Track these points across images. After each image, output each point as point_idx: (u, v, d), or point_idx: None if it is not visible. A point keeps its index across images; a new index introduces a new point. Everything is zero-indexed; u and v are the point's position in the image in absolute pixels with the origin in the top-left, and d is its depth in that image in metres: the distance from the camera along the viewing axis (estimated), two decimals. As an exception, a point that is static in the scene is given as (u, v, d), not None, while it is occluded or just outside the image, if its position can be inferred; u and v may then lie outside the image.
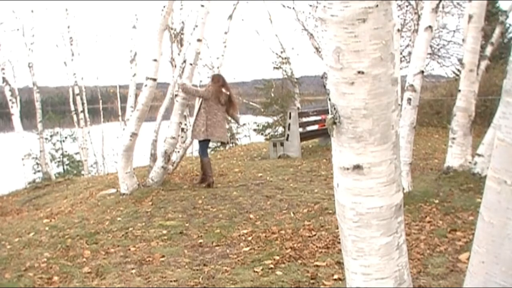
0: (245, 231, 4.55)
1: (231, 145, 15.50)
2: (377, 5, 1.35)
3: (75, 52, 16.19)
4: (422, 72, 5.21)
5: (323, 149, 10.33)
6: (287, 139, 9.68)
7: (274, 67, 16.94)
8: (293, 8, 16.12)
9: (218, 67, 11.12)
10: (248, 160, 9.98)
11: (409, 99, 5.11)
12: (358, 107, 1.44)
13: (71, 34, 15.87)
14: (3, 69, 12.79)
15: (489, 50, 7.09)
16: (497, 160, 1.29)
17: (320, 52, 14.44)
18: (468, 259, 1.52)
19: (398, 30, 8.10)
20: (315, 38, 15.62)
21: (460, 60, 10.28)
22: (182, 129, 8.31)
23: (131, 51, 8.47)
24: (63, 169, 16.02)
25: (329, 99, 1.50)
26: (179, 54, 9.96)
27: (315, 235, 4.31)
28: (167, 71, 15.52)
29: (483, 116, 10.79)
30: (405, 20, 15.00)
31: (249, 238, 4.34)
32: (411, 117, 5.13)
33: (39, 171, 13.82)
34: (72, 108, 17.16)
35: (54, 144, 16.29)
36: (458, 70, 13.54)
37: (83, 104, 16.86)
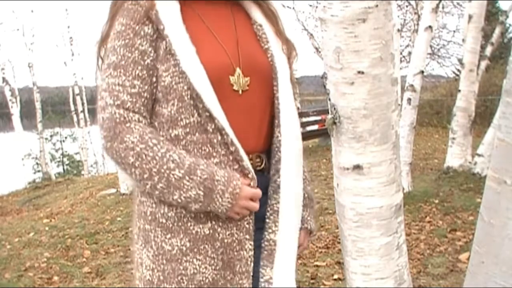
0: (245, 231, 4.54)
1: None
2: (377, 5, 1.35)
3: (75, 52, 16.24)
4: (422, 72, 5.21)
5: (323, 149, 10.33)
6: (287, 139, 9.66)
7: (274, 67, 16.92)
8: (293, 8, 16.12)
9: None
10: (248, 160, 9.97)
11: (409, 99, 5.12)
12: (358, 107, 1.44)
13: (71, 34, 15.91)
14: (3, 69, 12.81)
15: (489, 50, 7.09)
16: (497, 160, 1.28)
17: (320, 52, 14.44)
18: (468, 259, 1.52)
19: (398, 30, 8.10)
20: (315, 38, 15.63)
21: (460, 60, 10.27)
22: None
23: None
24: (63, 169, 16.02)
25: (329, 99, 1.50)
26: (179, 54, 9.95)
27: (315, 235, 4.31)
28: (167, 71, 15.53)
29: (483, 116, 10.79)
30: (405, 20, 15.00)
31: (249, 238, 4.34)
32: (411, 117, 5.14)
33: (39, 171, 13.83)
34: (72, 108, 17.18)
35: (54, 144, 16.30)
36: (458, 70, 13.54)
37: (83, 104, 16.86)
